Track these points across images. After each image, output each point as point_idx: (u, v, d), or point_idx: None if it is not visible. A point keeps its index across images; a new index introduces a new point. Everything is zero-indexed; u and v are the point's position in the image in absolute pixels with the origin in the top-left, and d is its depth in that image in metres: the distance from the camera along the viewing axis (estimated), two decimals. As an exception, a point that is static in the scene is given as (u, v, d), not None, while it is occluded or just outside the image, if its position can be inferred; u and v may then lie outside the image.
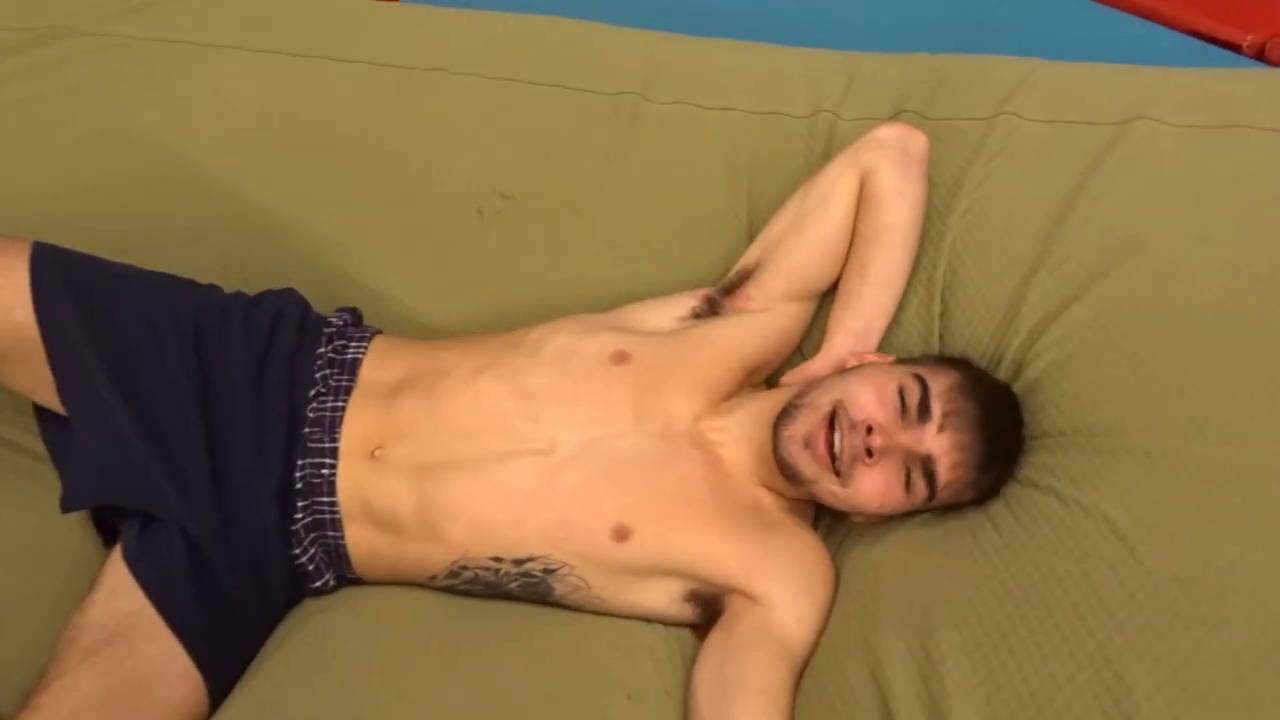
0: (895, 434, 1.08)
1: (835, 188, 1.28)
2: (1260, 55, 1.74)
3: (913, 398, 1.09)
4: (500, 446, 1.16)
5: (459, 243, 1.46)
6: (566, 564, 1.15)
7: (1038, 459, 1.13)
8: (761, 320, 1.31)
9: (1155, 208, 1.22)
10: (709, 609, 1.18)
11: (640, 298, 1.38)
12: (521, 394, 1.19)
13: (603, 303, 1.39)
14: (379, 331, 1.33)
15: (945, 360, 1.20)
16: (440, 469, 1.16)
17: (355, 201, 1.49)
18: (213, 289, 1.30)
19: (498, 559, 1.15)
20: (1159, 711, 0.88)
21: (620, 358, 1.23)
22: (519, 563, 1.15)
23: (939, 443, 1.09)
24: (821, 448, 1.09)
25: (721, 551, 1.15)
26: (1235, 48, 1.76)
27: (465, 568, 1.16)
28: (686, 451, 1.21)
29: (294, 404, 1.20)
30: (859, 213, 1.28)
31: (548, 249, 1.45)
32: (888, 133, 1.27)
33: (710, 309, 1.33)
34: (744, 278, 1.33)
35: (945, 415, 1.09)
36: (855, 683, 1.04)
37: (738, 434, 1.23)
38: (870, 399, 1.10)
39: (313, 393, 1.21)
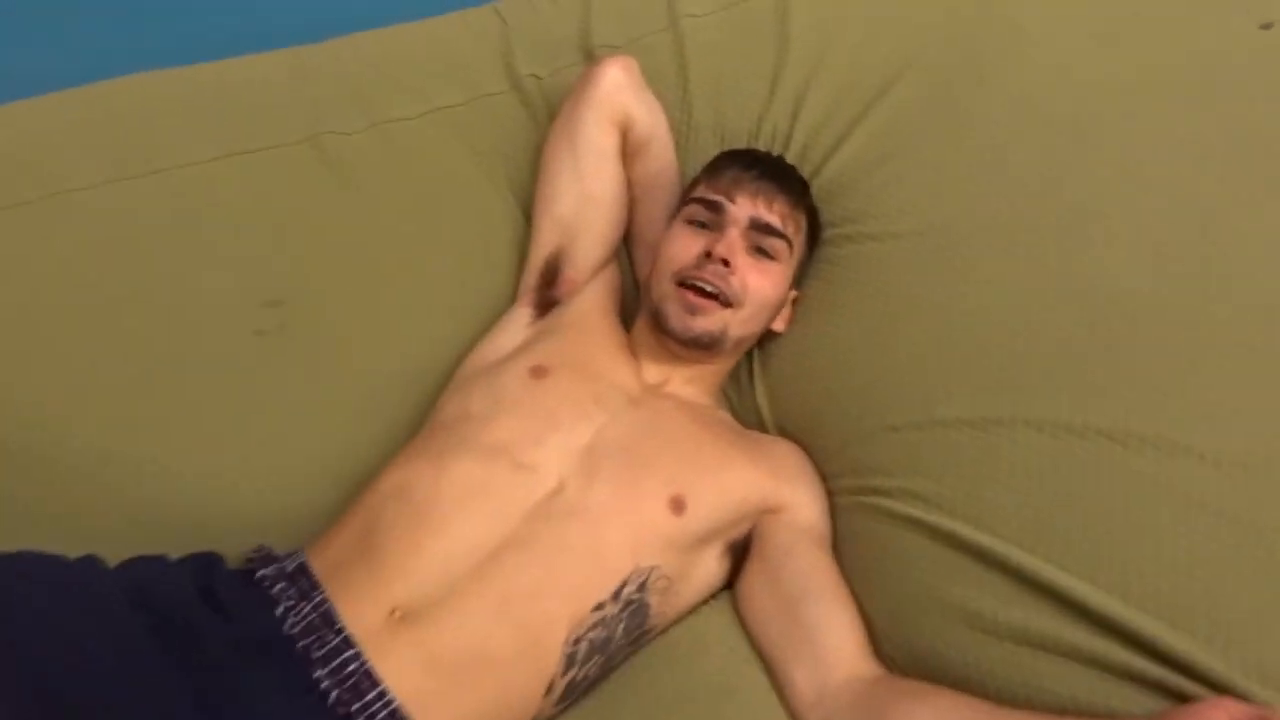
0: (722, 237, 1.16)
1: (602, 149, 1.29)
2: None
3: (703, 214, 1.20)
4: (517, 511, 1.02)
5: (262, 384, 1.20)
6: (653, 565, 1.05)
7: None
8: (597, 285, 1.31)
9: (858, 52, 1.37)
10: (739, 554, 1.15)
11: (473, 333, 1.27)
12: (491, 455, 1.05)
13: (445, 363, 1.24)
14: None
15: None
16: (481, 574, 0.98)
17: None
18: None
19: (599, 606, 1.02)
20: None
21: (538, 371, 1.15)
22: (617, 595, 1.03)
23: (745, 203, 1.19)
24: (694, 296, 1.15)
25: (751, 474, 1.14)
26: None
27: (578, 640, 1.00)
28: (661, 405, 1.18)
29: (273, 640, 0.94)
30: (631, 162, 1.32)
31: (362, 336, 1.25)
32: (608, 73, 1.28)
33: (545, 307, 1.28)
34: (555, 265, 1.30)
35: (730, 192, 1.19)
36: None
37: (674, 373, 1.23)
38: (683, 246, 1.18)
39: (280, 610, 0.95)
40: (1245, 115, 1.18)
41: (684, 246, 1.18)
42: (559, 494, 1.05)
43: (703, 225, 1.20)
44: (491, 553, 0.99)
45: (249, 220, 1.24)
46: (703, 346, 1.18)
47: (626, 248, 1.37)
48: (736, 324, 1.18)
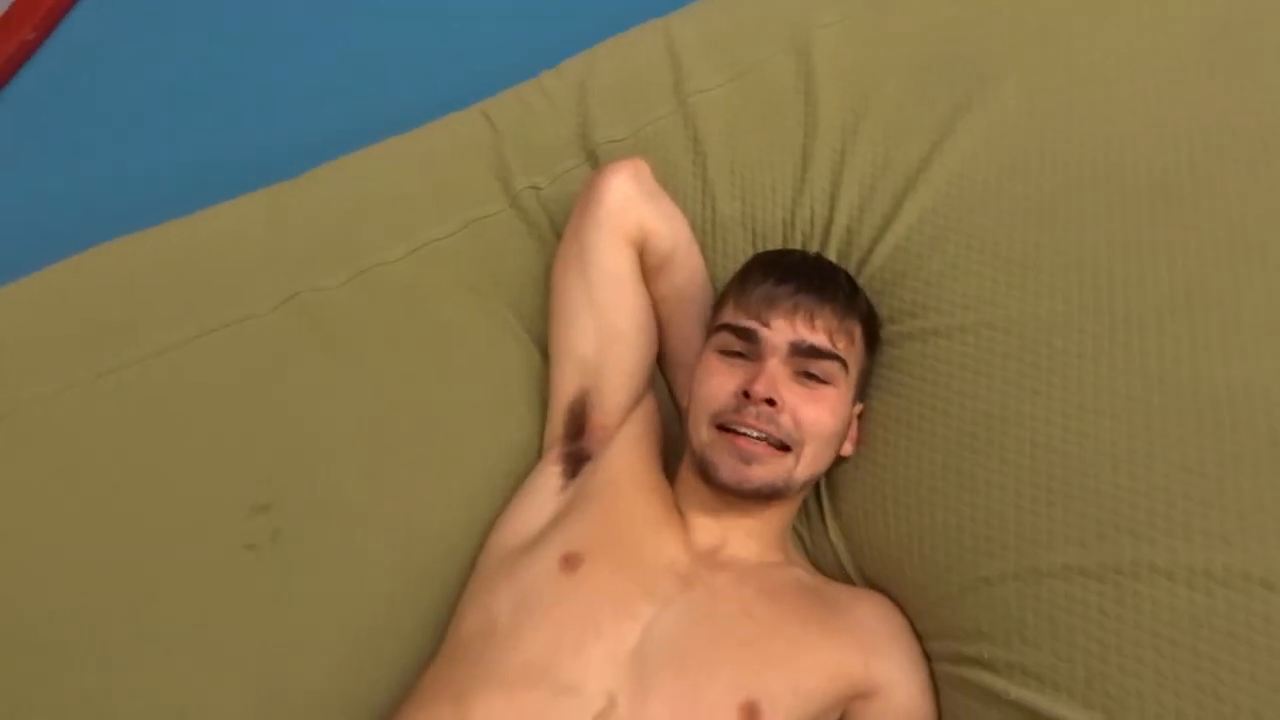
0: (761, 370, 1.00)
1: (619, 273, 1.12)
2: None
3: (735, 343, 1.03)
4: None
5: (257, 611, 1.04)
6: None
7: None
8: (631, 430, 1.13)
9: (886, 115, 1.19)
10: None
11: (494, 503, 1.11)
12: (524, 682, 0.90)
13: (469, 550, 1.09)
14: None
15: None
16: None
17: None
18: None
19: None
20: None
21: (570, 561, 0.98)
22: None
23: (782, 326, 1.01)
24: (744, 443, 0.99)
25: (835, 656, 0.98)
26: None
27: None
28: (718, 581, 1.01)
29: None
30: (654, 280, 1.16)
31: (369, 533, 1.08)
32: (614, 185, 1.11)
33: (576, 463, 1.11)
34: (581, 411, 1.13)
35: (762, 315, 1.02)
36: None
37: (731, 529, 1.06)
38: (718, 384, 1.02)
39: None
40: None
41: (719, 384, 1.02)
42: (609, 714, 0.89)
43: (737, 355, 1.03)
44: None
45: (229, 410, 1.10)
46: (765, 498, 1.01)
47: (663, 373, 1.21)
48: (801, 466, 1.01)
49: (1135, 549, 0.88)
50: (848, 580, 1.10)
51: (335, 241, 1.20)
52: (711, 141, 1.21)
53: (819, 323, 1.02)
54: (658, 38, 1.28)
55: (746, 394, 0.99)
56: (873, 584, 1.08)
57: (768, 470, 0.99)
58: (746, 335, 1.02)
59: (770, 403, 0.98)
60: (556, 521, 1.04)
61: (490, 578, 1.02)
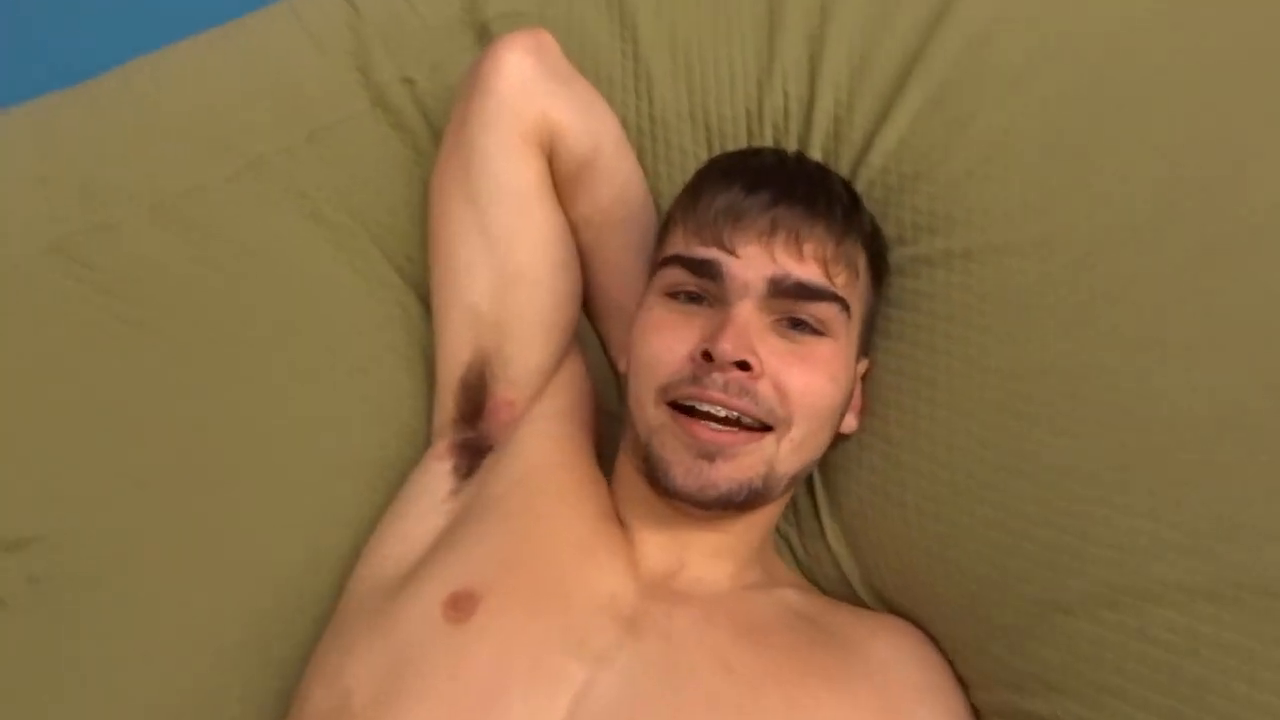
0: (728, 320, 0.69)
1: (519, 189, 0.79)
2: None
3: (689, 280, 0.72)
4: None
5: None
6: None
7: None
8: (549, 407, 0.82)
9: None
10: None
11: (357, 526, 0.80)
12: None
13: (317, 594, 0.78)
14: None
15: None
16: None
17: None
18: None
19: None
20: None
21: (460, 604, 0.67)
22: None
23: (756, 255, 0.70)
24: (705, 431, 0.69)
25: (844, 708, 0.68)
26: None
27: None
28: (677, 623, 0.70)
29: None
30: (571, 194, 0.83)
31: (177, 572, 0.77)
32: (507, 64, 0.78)
33: (472, 456, 0.80)
34: (478, 383, 0.81)
35: (726, 239, 0.71)
36: None
37: (692, 544, 0.75)
38: (666, 344, 0.71)
39: None
40: None
41: (668, 343, 0.71)
42: None
43: (692, 299, 0.72)
44: None
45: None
46: (737, 506, 0.71)
47: (593, 326, 0.89)
48: (786, 452, 0.71)
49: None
50: (854, 601, 0.80)
51: (127, 166, 0.86)
52: (644, 9, 0.88)
53: (808, 248, 0.71)
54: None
55: (708, 355, 0.68)
56: (890, 606, 0.78)
57: (739, 467, 0.69)
58: (704, 269, 0.71)
59: (743, 366, 0.68)
60: (443, 544, 0.73)
61: (348, 632, 0.71)
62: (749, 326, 0.69)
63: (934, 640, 0.75)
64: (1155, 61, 0.77)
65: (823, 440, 0.74)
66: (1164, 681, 0.61)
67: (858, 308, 0.74)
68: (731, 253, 0.70)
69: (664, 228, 0.79)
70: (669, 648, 0.68)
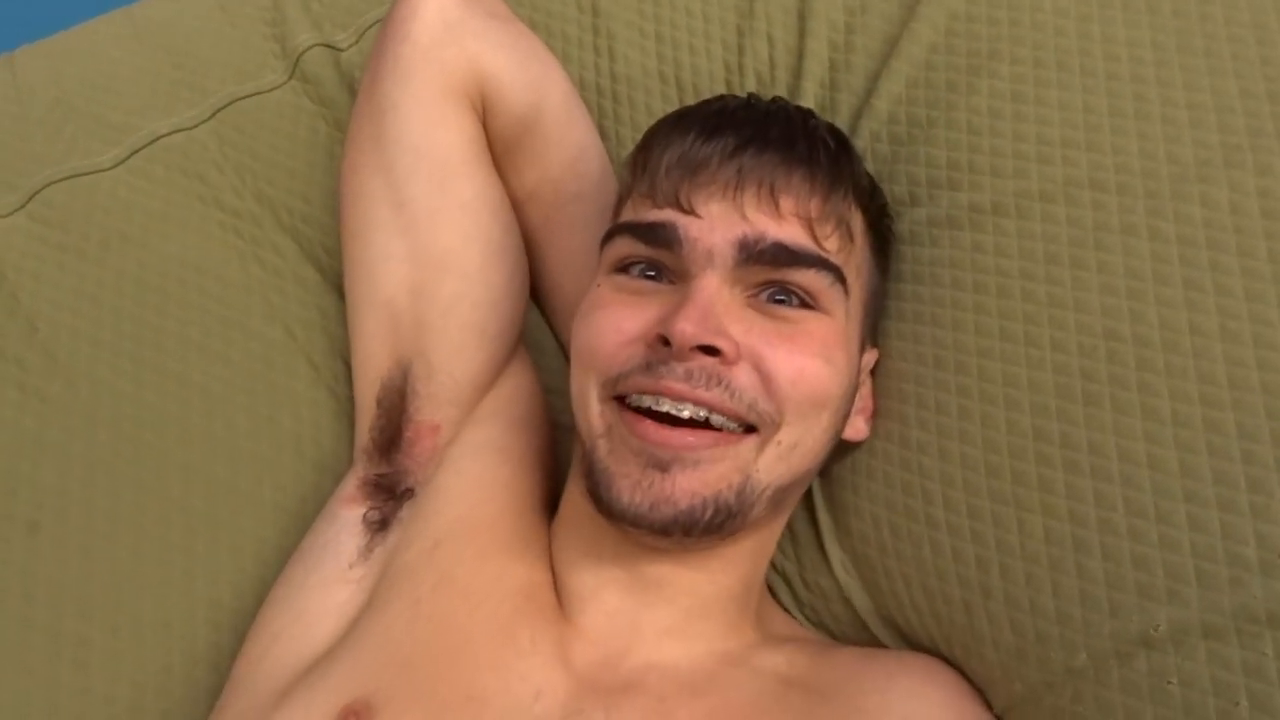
0: (689, 295, 0.54)
1: (442, 152, 0.65)
2: None
3: (641, 249, 0.58)
4: None
5: None
6: None
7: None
8: (480, 436, 0.66)
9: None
10: None
11: (254, 584, 0.65)
12: None
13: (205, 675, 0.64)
14: None
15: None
16: None
17: None
18: None
19: None
20: None
21: (352, 714, 0.52)
22: None
23: (722, 213, 0.56)
24: (658, 429, 0.54)
25: None
26: None
27: None
28: (615, 719, 0.54)
29: None
30: (510, 161, 0.69)
31: (27, 646, 0.63)
32: (430, 1, 0.65)
33: (386, 502, 0.64)
34: (397, 406, 0.65)
35: (682, 194, 0.57)
36: None
37: (647, 606, 0.59)
38: (612, 325, 0.56)
39: None
40: None
41: (614, 324, 0.56)
42: None
43: (648, 276, 0.58)
44: None
45: None
46: (705, 529, 0.54)
47: (547, 321, 0.75)
48: (771, 460, 0.55)
49: None
50: (868, 640, 0.64)
51: (12, 147, 0.74)
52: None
53: (786, 202, 0.56)
54: None
55: (664, 339, 0.53)
56: (913, 642, 0.62)
57: (703, 478, 0.54)
58: (658, 236, 0.56)
59: (711, 351, 0.53)
60: (347, 634, 0.58)
61: (246, 699, 0.56)
62: (716, 302, 0.54)
63: (965, 676, 0.59)
64: None
65: (820, 444, 0.58)
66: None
67: (857, 281, 0.59)
68: (690, 212, 0.56)
69: (617, 198, 0.64)
70: None
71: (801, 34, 0.72)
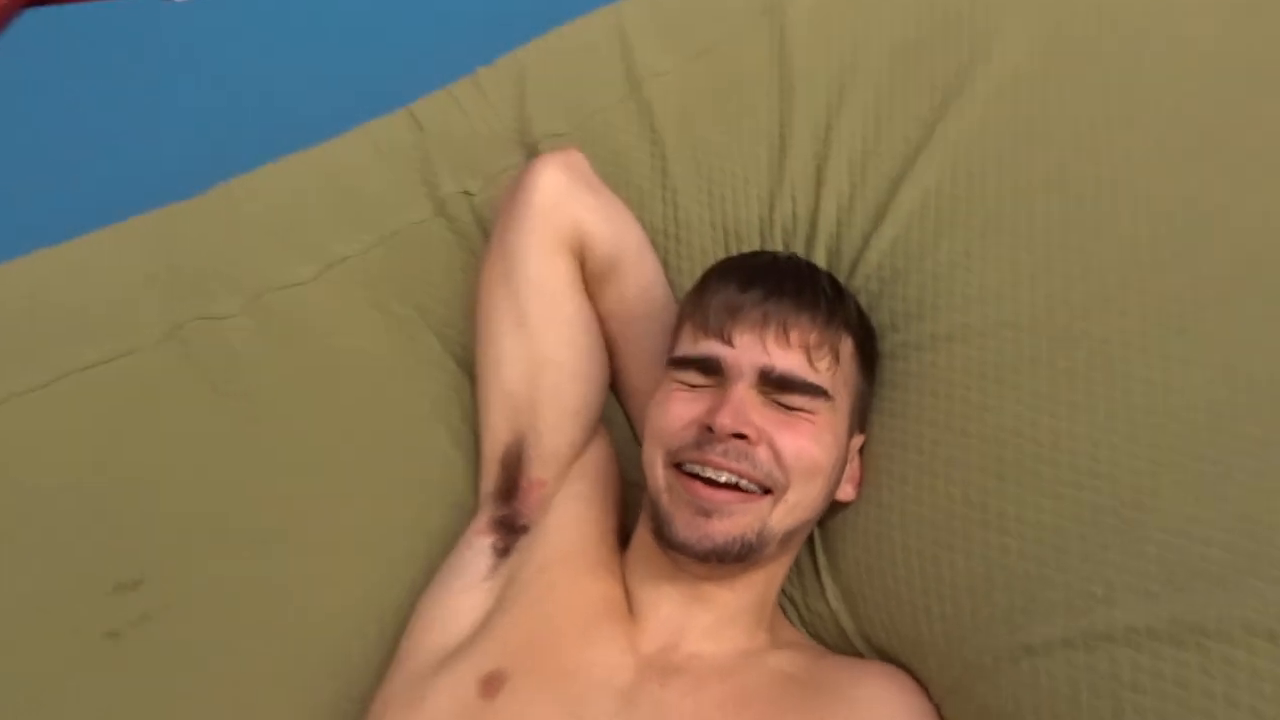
0: (727, 398, 0.79)
1: (553, 288, 0.92)
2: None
3: (694, 376, 0.83)
4: None
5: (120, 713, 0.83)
6: None
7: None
8: (573, 491, 0.91)
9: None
10: None
11: (414, 583, 0.90)
12: None
13: (378, 644, 0.88)
14: None
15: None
16: None
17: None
18: None
19: None
20: None
21: (491, 684, 0.77)
22: None
23: (750, 344, 0.81)
24: (705, 489, 0.78)
25: None
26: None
27: None
28: (666, 694, 0.78)
29: None
30: (599, 291, 0.95)
31: (259, 618, 0.88)
32: (543, 178, 0.91)
33: (509, 534, 0.89)
34: (514, 464, 0.91)
35: (725, 330, 0.81)
36: None
37: (693, 614, 0.83)
38: (674, 415, 0.82)
39: None
40: None
41: (676, 414, 0.81)
42: None
43: (700, 384, 0.83)
44: None
45: (92, 466, 0.90)
46: (734, 559, 0.79)
47: (622, 406, 1.00)
48: (781, 514, 0.80)
49: (1226, 603, 0.66)
50: (851, 653, 0.87)
51: (231, 265, 1.01)
52: (670, 130, 1.03)
53: (794, 335, 0.81)
54: (605, 22, 1.10)
55: (709, 428, 0.78)
56: (884, 655, 0.85)
57: (734, 524, 0.78)
58: (707, 366, 0.81)
59: (740, 436, 0.78)
60: (481, 627, 0.83)
61: (396, 698, 0.80)
62: (745, 403, 0.79)
63: (922, 684, 0.82)
64: (1114, 143, 0.88)
65: (817, 502, 0.83)
66: (1115, 711, 0.67)
67: (843, 391, 0.83)
68: (729, 343, 0.81)
69: (677, 321, 0.90)
70: (659, 715, 0.76)
71: (817, 198, 0.97)
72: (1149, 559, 0.70)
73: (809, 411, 0.80)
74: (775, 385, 0.80)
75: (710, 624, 0.83)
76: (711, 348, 0.81)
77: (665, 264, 0.99)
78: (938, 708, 0.80)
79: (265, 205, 1.05)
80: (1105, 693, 0.68)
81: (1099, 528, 0.74)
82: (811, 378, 0.80)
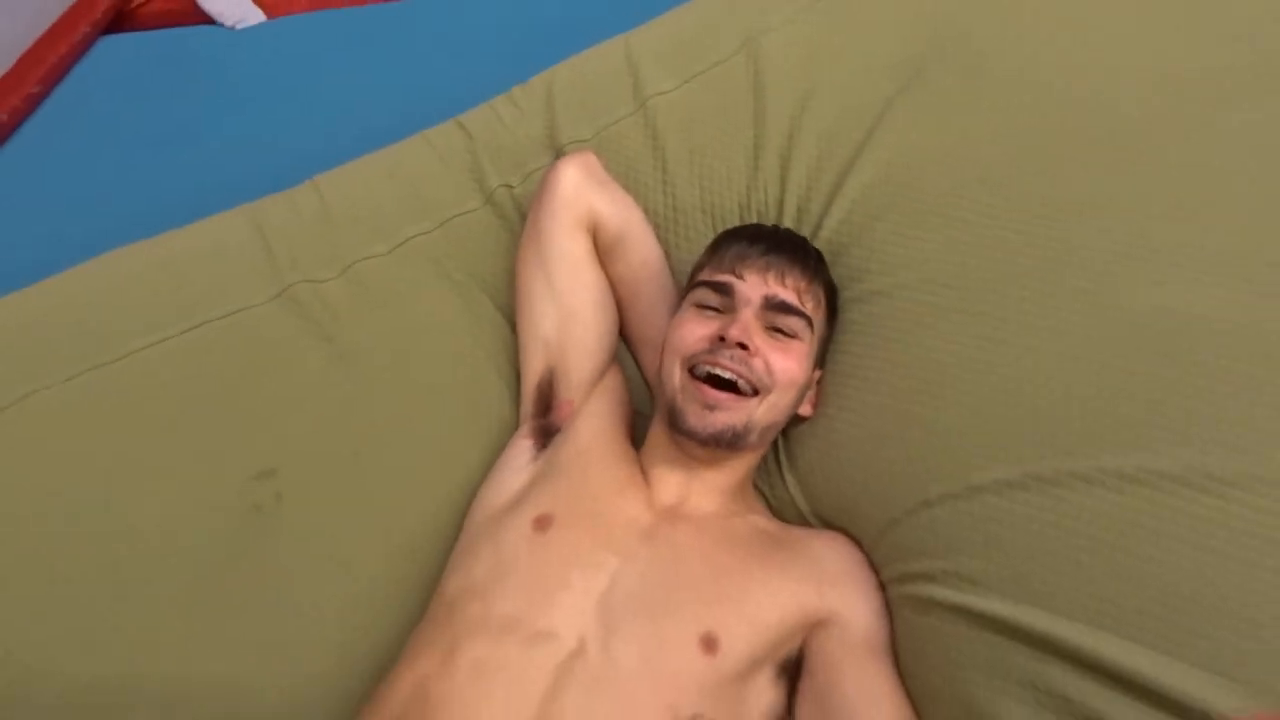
0: (736, 318, 1.07)
1: (574, 257, 1.20)
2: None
3: (711, 297, 1.11)
4: (537, 690, 0.93)
5: (266, 569, 1.10)
6: (696, 713, 0.94)
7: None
8: (595, 404, 1.20)
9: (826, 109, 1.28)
10: (794, 674, 1.04)
11: (475, 474, 1.18)
12: (502, 632, 0.96)
13: (451, 518, 1.16)
14: None
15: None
16: None
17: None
18: None
19: None
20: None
21: (542, 523, 1.05)
22: None
23: (756, 281, 1.09)
24: (711, 391, 1.05)
25: (787, 588, 1.04)
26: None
27: None
28: (677, 534, 1.07)
29: None
30: (608, 261, 1.24)
31: (367, 498, 1.15)
32: (565, 175, 1.20)
33: (546, 436, 1.18)
34: (547, 389, 1.21)
35: (737, 269, 1.10)
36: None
37: (693, 483, 1.12)
38: (692, 330, 1.09)
39: None
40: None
41: (692, 330, 1.08)
42: (580, 656, 0.95)
43: (713, 309, 1.10)
44: None
45: (229, 390, 1.17)
46: (726, 444, 1.06)
47: (630, 351, 1.29)
48: (763, 412, 1.07)
49: (1060, 460, 0.95)
50: (807, 526, 1.16)
51: (323, 242, 1.28)
52: (670, 137, 1.31)
53: (789, 281, 1.09)
54: (617, 49, 1.38)
55: (722, 339, 1.05)
56: (830, 526, 1.14)
57: (729, 415, 1.05)
58: (721, 289, 1.09)
59: (743, 347, 1.05)
60: (530, 488, 1.11)
61: (472, 541, 1.08)
62: (750, 324, 1.07)
63: (857, 542, 1.10)
64: (1037, 144, 1.16)
65: (786, 409, 1.11)
66: (980, 537, 0.96)
67: (818, 327, 1.12)
68: (740, 278, 1.09)
69: (694, 270, 1.17)
70: (671, 549, 1.04)
71: (783, 189, 1.26)
72: (1017, 437, 0.99)
73: (795, 337, 1.08)
74: (776, 309, 1.07)
75: (705, 491, 1.11)
76: (727, 278, 1.09)
77: (664, 242, 1.28)
78: (868, 556, 1.09)
79: (343, 196, 1.32)
80: (977, 526, 0.97)
81: (985, 419, 1.01)
82: (802, 307, 1.09)
